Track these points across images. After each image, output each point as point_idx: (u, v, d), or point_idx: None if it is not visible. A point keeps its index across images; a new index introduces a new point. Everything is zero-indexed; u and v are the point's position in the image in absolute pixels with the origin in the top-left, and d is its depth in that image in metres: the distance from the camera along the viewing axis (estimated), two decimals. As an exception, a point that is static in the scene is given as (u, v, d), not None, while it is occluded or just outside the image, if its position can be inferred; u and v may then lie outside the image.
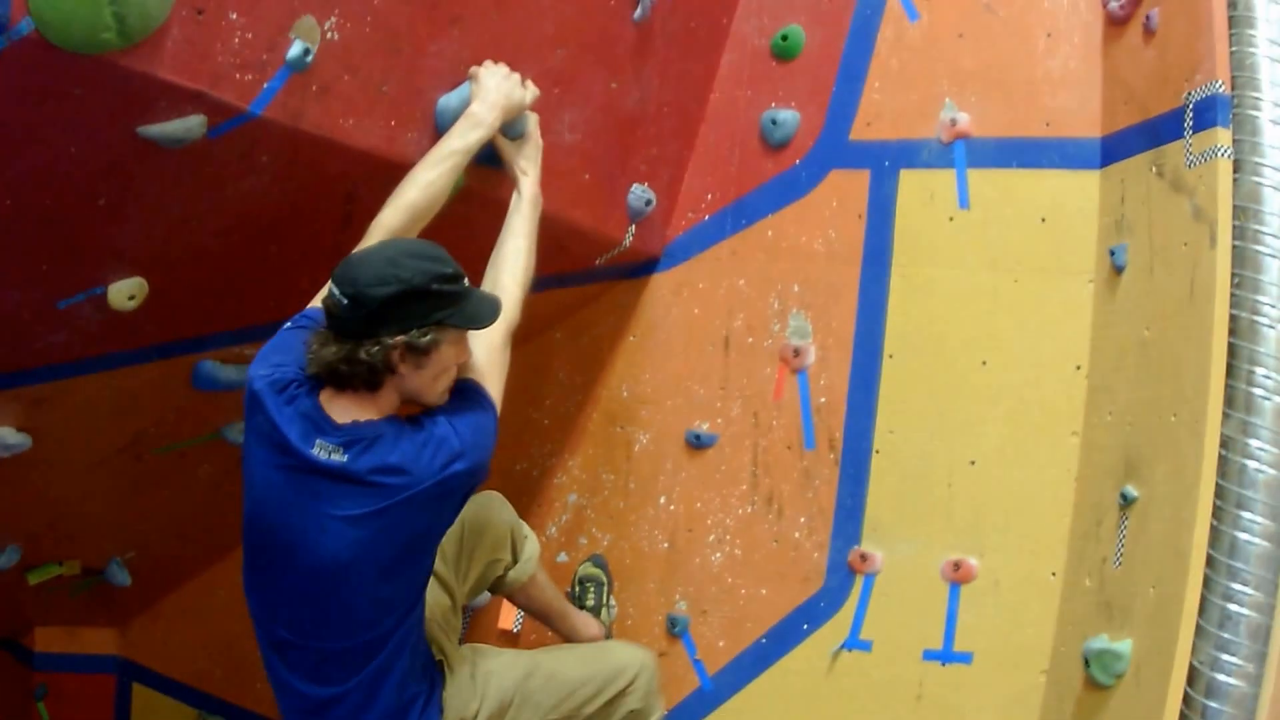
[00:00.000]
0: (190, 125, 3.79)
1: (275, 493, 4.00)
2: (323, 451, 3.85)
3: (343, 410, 3.90)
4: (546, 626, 5.37)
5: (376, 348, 3.79)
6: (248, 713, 7.14)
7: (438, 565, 4.53)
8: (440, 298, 3.83)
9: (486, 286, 4.29)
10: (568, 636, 5.33)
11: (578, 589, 5.64)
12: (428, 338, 3.83)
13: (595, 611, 5.53)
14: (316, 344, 3.89)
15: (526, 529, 5.05)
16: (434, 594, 4.55)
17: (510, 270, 4.35)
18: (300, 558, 3.99)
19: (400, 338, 3.80)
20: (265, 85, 3.82)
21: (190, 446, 5.97)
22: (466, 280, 3.95)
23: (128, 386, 5.35)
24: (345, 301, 3.77)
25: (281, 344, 4.08)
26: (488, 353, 4.15)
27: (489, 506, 4.89)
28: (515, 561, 4.98)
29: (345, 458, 3.84)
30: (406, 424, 3.93)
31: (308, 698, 4.24)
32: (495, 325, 4.13)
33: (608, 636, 5.49)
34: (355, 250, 3.93)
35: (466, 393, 4.06)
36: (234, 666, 7.09)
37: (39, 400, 5.19)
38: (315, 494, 3.90)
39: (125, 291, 4.63)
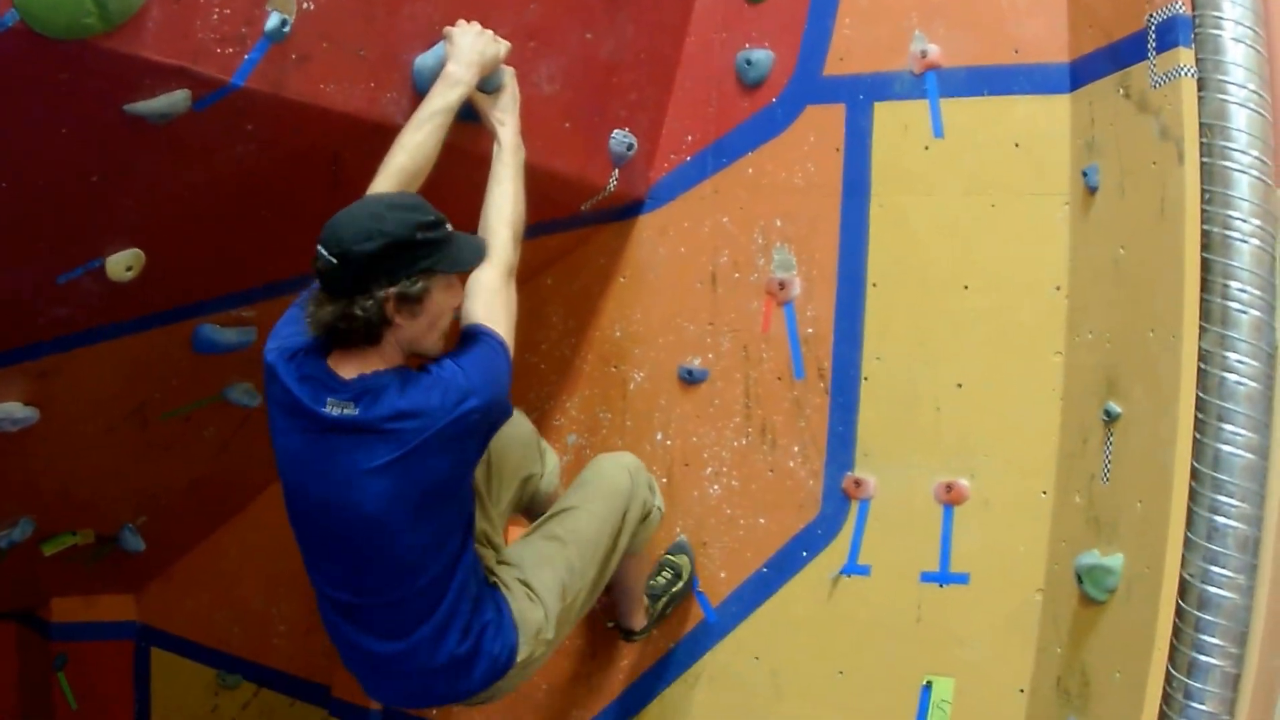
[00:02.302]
0: (175, 100, 3.85)
1: (301, 458, 4.12)
2: (334, 408, 3.94)
3: (349, 368, 3.99)
4: None
5: (370, 302, 3.86)
6: (266, 669, 7.24)
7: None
8: (425, 245, 3.91)
9: (479, 234, 4.35)
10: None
11: (655, 570, 5.64)
12: (418, 286, 3.91)
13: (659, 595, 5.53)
14: (313, 306, 3.97)
15: (546, 444, 5.15)
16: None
17: (499, 214, 4.39)
18: (337, 517, 4.10)
19: (391, 289, 3.87)
20: (246, 57, 3.88)
21: (195, 410, 6.04)
22: (450, 225, 4.01)
23: (130, 355, 5.42)
24: (334, 261, 3.83)
25: (290, 317, 4.18)
26: (489, 296, 4.19)
27: (511, 422, 4.84)
28: (543, 473, 5.05)
29: (357, 410, 3.93)
30: (414, 371, 4.01)
31: (378, 655, 4.33)
32: (491, 269, 4.21)
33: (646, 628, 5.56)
34: (339, 211, 3.98)
35: (473, 336, 4.11)
36: (250, 625, 7.21)
37: (45, 373, 5.27)
38: (336, 452, 3.99)
39: (123, 263, 4.71)
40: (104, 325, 5.23)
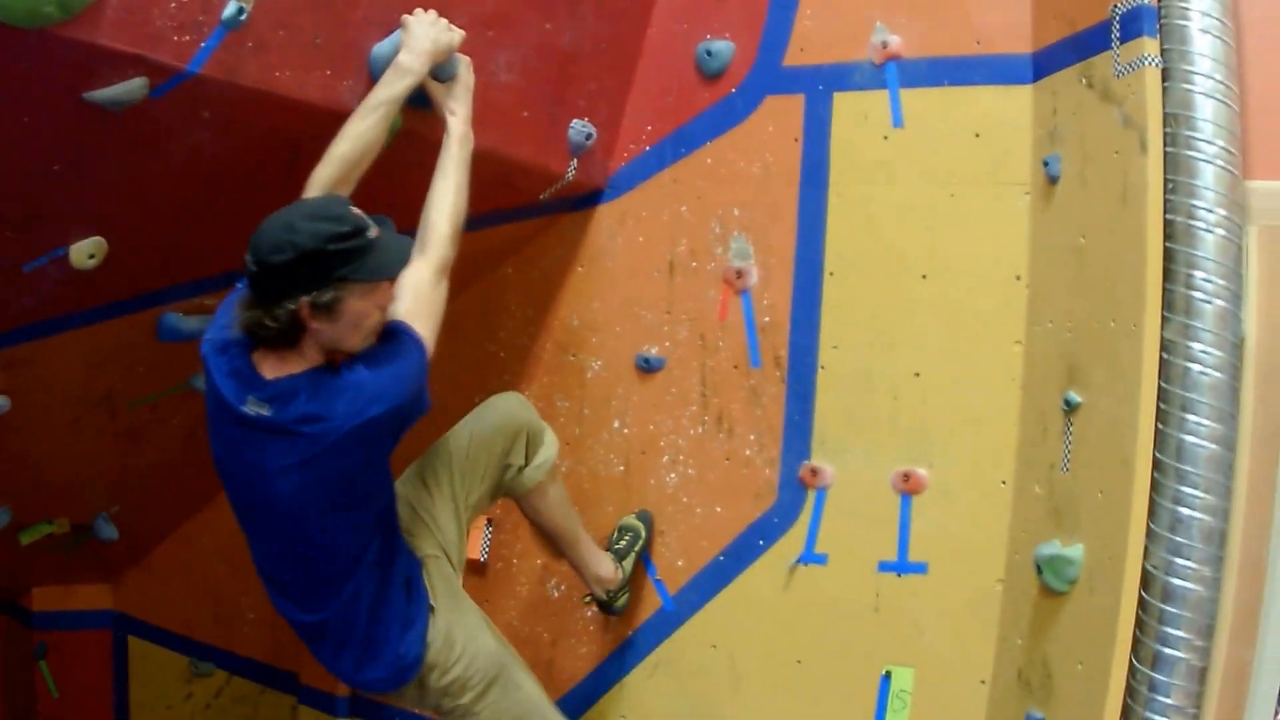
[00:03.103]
0: (132, 87, 3.87)
1: (227, 448, 4.24)
2: (252, 407, 4.03)
3: (271, 366, 4.06)
4: (553, 550, 5.43)
5: (281, 310, 3.91)
6: (237, 657, 7.25)
7: (434, 489, 4.75)
8: (339, 256, 3.90)
9: (420, 226, 4.37)
10: (575, 565, 5.39)
11: (614, 534, 5.65)
12: (329, 295, 3.92)
13: (620, 557, 5.55)
14: (239, 308, 4.04)
15: (548, 435, 5.10)
16: (438, 518, 4.74)
17: (439, 208, 4.40)
18: (258, 504, 4.25)
19: (304, 298, 3.90)
20: (202, 45, 3.89)
21: (162, 398, 6.05)
22: (372, 232, 4.00)
23: (97, 343, 5.44)
24: (254, 269, 3.90)
25: (226, 305, 4.24)
26: (415, 294, 4.23)
27: (500, 410, 4.98)
28: (526, 465, 5.02)
29: (270, 411, 4.01)
30: (327, 374, 4.06)
31: (301, 624, 4.49)
32: (423, 265, 4.26)
33: (623, 586, 5.54)
34: (265, 218, 4.01)
35: (391, 335, 4.15)
36: (221, 614, 7.21)
37: (13, 362, 5.28)
38: (254, 447, 4.10)
39: (85, 251, 4.72)
40: (70, 314, 5.25)
